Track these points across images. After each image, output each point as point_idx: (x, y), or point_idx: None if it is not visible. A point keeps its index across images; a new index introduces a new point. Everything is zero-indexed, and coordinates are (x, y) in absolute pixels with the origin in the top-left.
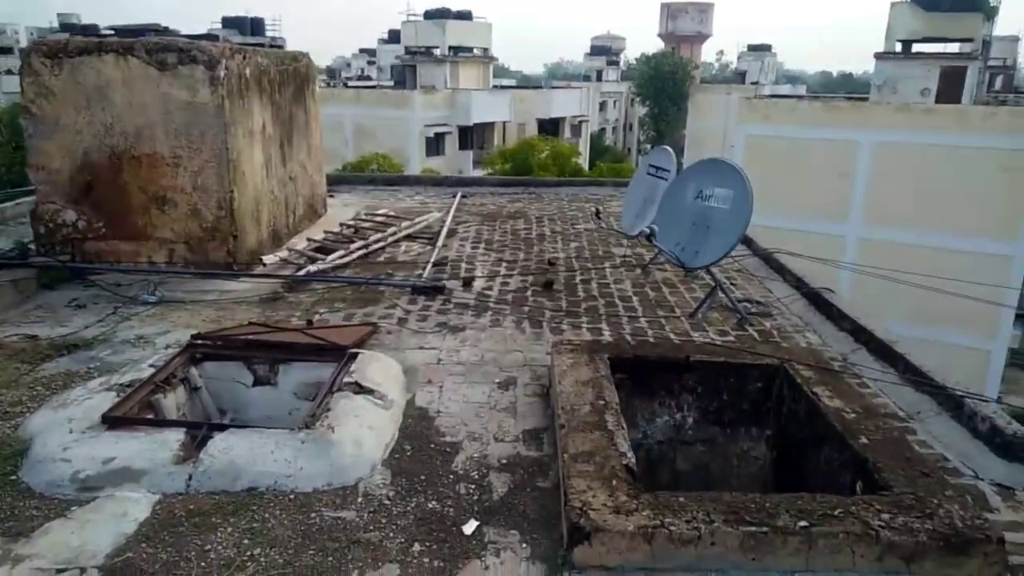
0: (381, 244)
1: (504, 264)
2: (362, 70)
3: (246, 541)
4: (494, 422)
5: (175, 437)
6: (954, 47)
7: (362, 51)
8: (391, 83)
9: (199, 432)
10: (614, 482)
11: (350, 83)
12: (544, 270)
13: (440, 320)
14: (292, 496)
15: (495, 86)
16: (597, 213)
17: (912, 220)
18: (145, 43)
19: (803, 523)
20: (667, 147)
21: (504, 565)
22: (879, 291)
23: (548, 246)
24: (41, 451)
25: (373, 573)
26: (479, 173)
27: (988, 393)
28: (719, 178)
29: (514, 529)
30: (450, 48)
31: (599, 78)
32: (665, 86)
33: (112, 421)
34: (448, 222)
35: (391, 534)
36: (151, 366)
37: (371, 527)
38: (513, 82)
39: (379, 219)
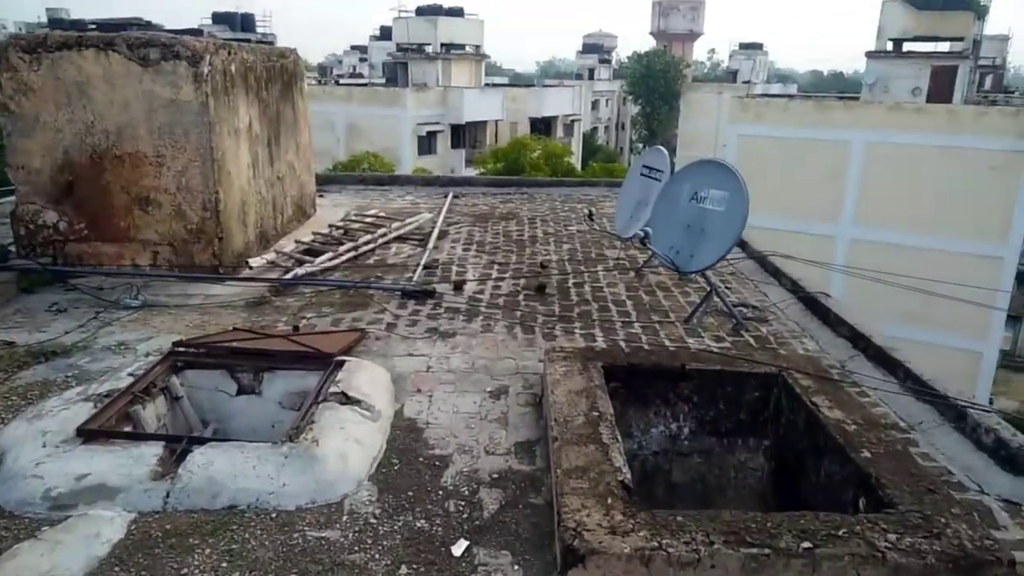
0: (371, 246)
1: (496, 267)
2: (354, 67)
3: (225, 564)
4: (485, 434)
5: (153, 451)
6: (944, 46)
7: (354, 48)
8: (383, 80)
9: (178, 446)
10: (609, 500)
11: (341, 80)
12: (536, 273)
13: (430, 325)
14: (274, 514)
15: (487, 84)
16: (590, 215)
17: (903, 221)
18: (127, 38)
19: (807, 544)
20: (661, 147)
21: None
22: (871, 292)
23: (540, 248)
24: (13, 467)
25: None
26: (471, 172)
27: (980, 395)
28: (714, 179)
29: (505, 550)
30: (442, 45)
31: (591, 76)
32: (657, 85)
33: (87, 434)
34: (439, 223)
35: (377, 555)
36: (130, 375)
37: (356, 548)
38: (505, 80)
39: (369, 220)
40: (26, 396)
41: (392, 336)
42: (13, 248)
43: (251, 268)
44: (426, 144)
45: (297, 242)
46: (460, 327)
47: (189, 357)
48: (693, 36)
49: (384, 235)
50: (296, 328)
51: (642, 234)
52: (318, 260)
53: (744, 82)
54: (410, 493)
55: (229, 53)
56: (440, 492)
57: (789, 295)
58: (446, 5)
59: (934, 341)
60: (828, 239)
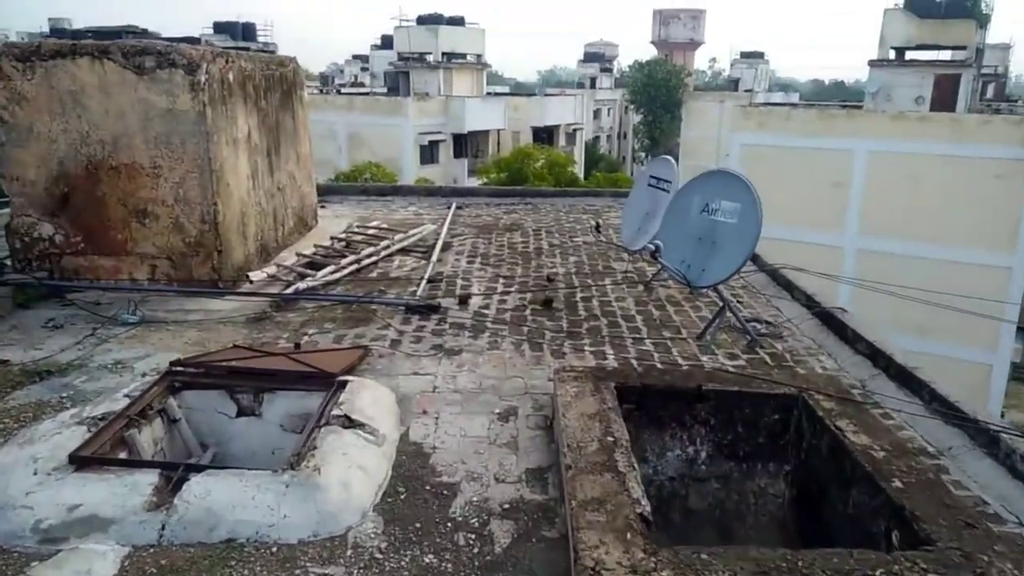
0: (373, 259)
1: (501, 280)
2: (355, 76)
3: None
4: (494, 459)
5: (148, 480)
6: (947, 55)
7: (355, 57)
8: (384, 90)
9: (174, 474)
10: (628, 535)
11: (343, 90)
12: (543, 287)
13: (435, 342)
14: (275, 548)
15: (489, 93)
16: (597, 227)
17: (909, 231)
18: (121, 46)
19: None
20: (668, 157)
21: None
22: (878, 304)
23: (546, 260)
24: (2, 497)
25: None
26: (474, 181)
27: (991, 409)
28: (726, 190)
29: None
30: (443, 54)
31: (593, 85)
32: (659, 93)
33: (80, 461)
34: (443, 235)
35: None
36: (126, 396)
37: None
38: (507, 89)
39: (371, 232)
40: (19, 418)
41: (396, 353)
42: (8, 262)
43: (251, 282)
44: (428, 153)
45: (298, 255)
46: (466, 344)
47: (187, 377)
48: (694, 45)
49: (387, 247)
50: (298, 345)
51: (652, 248)
52: (320, 274)
53: (746, 91)
54: (417, 525)
55: (227, 61)
56: (449, 524)
57: (803, 310)
58: (447, 14)
59: (943, 353)
60: (834, 249)
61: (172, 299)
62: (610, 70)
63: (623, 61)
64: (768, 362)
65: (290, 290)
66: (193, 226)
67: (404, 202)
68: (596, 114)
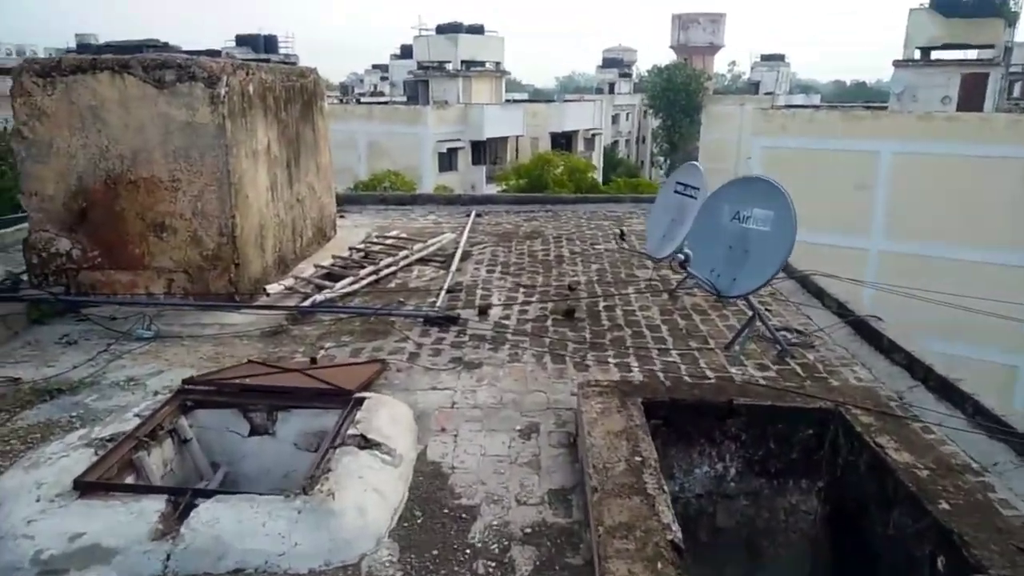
0: (392, 269)
1: (522, 289)
2: (375, 86)
3: None
4: (515, 480)
5: (154, 506)
6: (973, 53)
7: (375, 67)
8: (404, 99)
9: (182, 499)
10: (659, 564)
11: (363, 99)
12: (564, 296)
13: (454, 355)
14: None
15: (508, 100)
16: (621, 234)
17: (936, 232)
18: (142, 60)
19: None
20: (696, 163)
21: None
22: (903, 306)
23: (568, 269)
24: (3, 525)
25: None
26: (493, 188)
27: (1016, 408)
28: (758, 197)
29: None
30: (462, 62)
31: (611, 90)
32: (678, 98)
33: (85, 487)
34: (462, 244)
35: None
36: (136, 416)
37: None
38: (525, 96)
39: (390, 242)
40: (27, 439)
41: (414, 367)
42: (25, 277)
43: (268, 295)
44: (447, 161)
45: (316, 266)
46: (486, 356)
47: (199, 396)
48: (714, 49)
49: (406, 257)
50: (313, 360)
51: (682, 257)
52: (338, 285)
53: (766, 93)
54: (435, 552)
55: (247, 73)
56: (468, 551)
57: (835, 318)
58: (466, 23)
59: (969, 355)
60: (859, 252)
61: (188, 313)
62: (629, 75)
63: (642, 66)
64: (800, 373)
65: (307, 303)
66: (211, 239)
67: (423, 211)
68: (615, 119)
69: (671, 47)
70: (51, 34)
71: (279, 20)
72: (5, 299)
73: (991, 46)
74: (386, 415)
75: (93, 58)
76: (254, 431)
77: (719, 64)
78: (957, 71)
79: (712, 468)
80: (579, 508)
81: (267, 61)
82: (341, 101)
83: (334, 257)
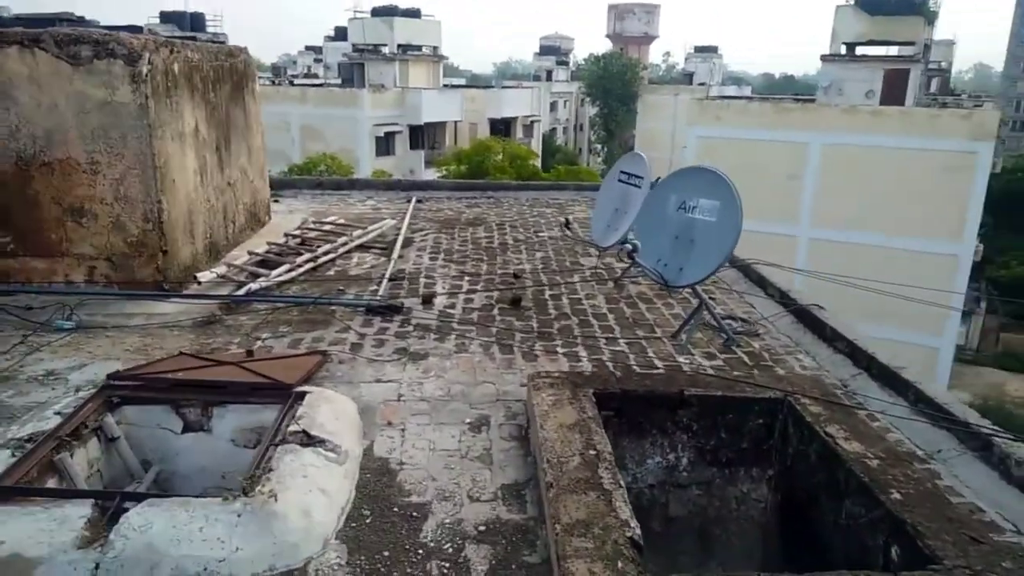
0: (331, 256)
1: (467, 278)
2: (308, 68)
3: None
4: (467, 475)
5: (80, 512)
6: (895, 50)
7: (308, 48)
8: (339, 81)
9: (111, 504)
10: (620, 563)
11: (296, 81)
12: (510, 284)
13: (399, 345)
14: None
15: (445, 85)
16: (567, 223)
17: (861, 221)
18: (55, 34)
19: None
20: (640, 152)
21: None
22: (831, 291)
23: (512, 256)
24: None
25: None
26: (432, 173)
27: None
28: (704, 188)
29: None
30: (399, 46)
31: (549, 78)
32: (614, 87)
33: (2, 492)
34: (403, 230)
35: None
36: (57, 413)
37: None
38: (463, 81)
39: (328, 228)
40: None
41: (357, 359)
42: None
43: (199, 283)
44: (384, 145)
45: (250, 253)
46: (432, 347)
47: (126, 391)
48: (648, 39)
49: (345, 244)
50: (250, 352)
51: (630, 247)
52: (273, 273)
53: (700, 84)
54: (386, 553)
55: (171, 51)
56: (420, 551)
57: (777, 306)
58: (402, 6)
59: (892, 337)
60: (789, 239)
61: (112, 303)
62: (566, 63)
63: (579, 54)
64: (746, 362)
65: (241, 291)
66: (135, 225)
67: (361, 196)
68: (553, 106)
69: (607, 36)
70: None
71: None
72: None
73: (912, 43)
74: (329, 410)
75: (0, 31)
76: (188, 428)
77: (654, 54)
78: (880, 66)
79: (664, 458)
80: (534, 504)
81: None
82: (273, 83)
83: (269, 244)
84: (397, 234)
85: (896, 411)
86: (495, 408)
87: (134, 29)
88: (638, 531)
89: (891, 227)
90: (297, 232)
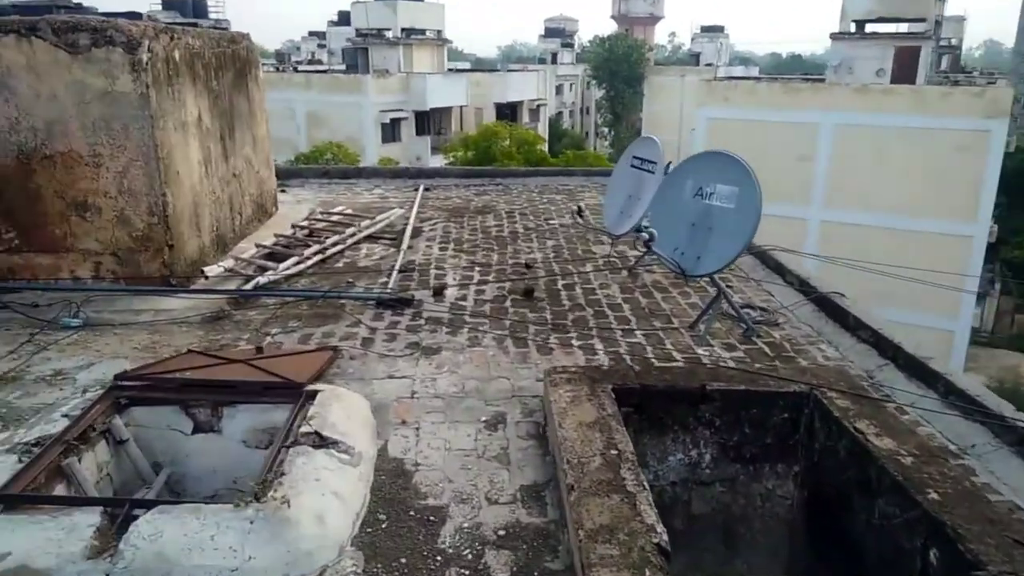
0: (339, 248)
1: (477, 268)
2: (312, 54)
3: None
4: (484, 476)
5: (88, 520)
6: (905, 27)
7: (312, 34)
8: (343, 67)
9: (120, 511)
10: (647, 571)
11: (300, 67)
12: (522, 274)
13: (411, 340)
14: None
15: (450, 69)
16: (579, 211)
17: (873, 202)
18: (52, 21)
19: None
20: (653, 136)
21: None
22: (844, 274)
23: (523, 245)
24: None
25: None
26: (438, 159)
27: (952, 370)
28: (721, 173)
29: None
30: (403, 30)
31: (554, 60)
32: (620, 69)
33: (8, 500)
34: (412, 219)
35: None
36: (65, 416)
37: None
38: (467, 65)
39: (336, 218)
40: None
41: (369, 354)
42: None
43: (207, 278)
44: (390, 131)
45: (258, 246)
46: (444, 341)
47: (134, 392)
48: (654, 19)
49: (353, 235)
50: (259, 349)
51: (646, 236)
52: (281, 266)
53: (707, 65)
54: (403, 560)
55: (172, 38)
56: (439, 557)
57: (796, 294)
58: None
59: (907, 321)
60: (800, 221)
61: (119, 299)
62: (571, 45)
63: (584, 36)
64: (767, 353)
65: (249, 285)
66: (140, 219)
67: (368, 184)
68: (558, 89)
69: (612, 17)
70: None
71: None
72: None
73: (923, 19)
74: (341, 409)
75: None
76: (198, 428)
77: (660, 35)
78: (891, 44)
79: (686, 455)
80: (554, 506)
81: (195, 26)
82: (278, 69)
83: (276, 235)
84: (406, 224)
85: (926, 404)
86: (511, 405)
87: (134, 16)
88: (665, 537)
89: (904, 208)
90: (305, 223)
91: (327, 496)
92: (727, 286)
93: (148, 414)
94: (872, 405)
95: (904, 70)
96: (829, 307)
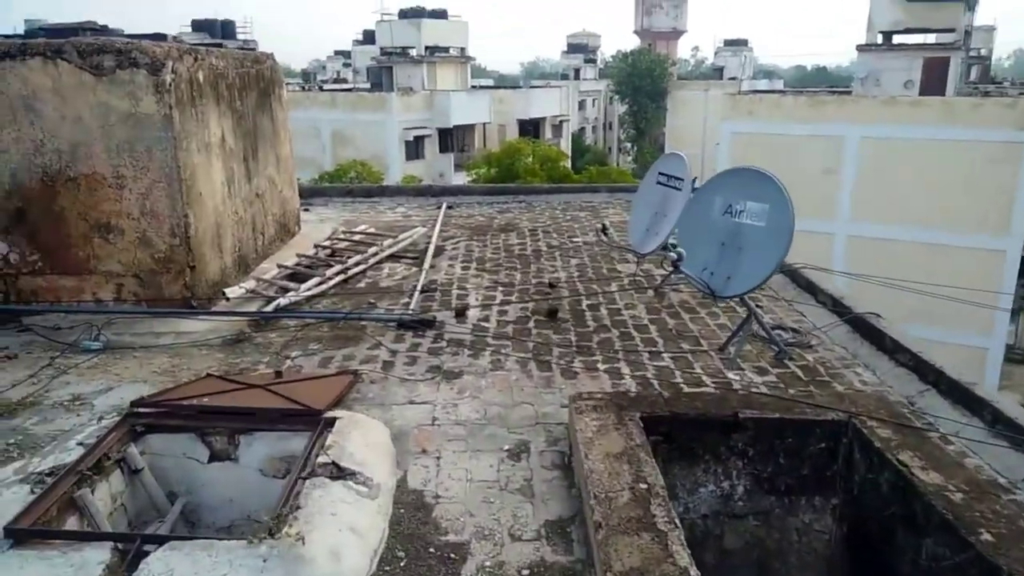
0: (361, 267)
1: (500, 288)
2: (338, 73)
3: None
4: (507, 510)
5: (98, 557)
6: (933, 37)
7: (337, 53)
8: (367, 85)
9: (131, 547)
10: None
11: (325, 86)
12: (545, 294)
13: (432, 363)
14: None
15: (473, 86)
16: (604, 229)
17: (902, 216)
18: (77, 44)
19: None
20: (680, 153)
21: None
22: (871, 290)
23: (546, 264)
24: None
25: None
26: (461, 176)
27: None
28: (751, 190)
29: None
30: (426, 48)
31: (577, 76)
32: (643, 83)
33: (18, 535)
34: (434, 238)
35: None
36: (80, 444)
37: None
38: (490, 82)
39: (358, 237)
40: None
41: (389, 378)
42: None
43: (228, 300)
44: (413, 149)
45: (280, 266)
46: (466, 364)
47: (151, 419)
48: (677, 34)
49: (375, 254)
50: (279, 373)
51: (674, 256)
52: (303, 287)
53: (730, 79)
54: None
55: (196, 59)
56: None
57: (829, 314)
58: (429, 7)
59: (939, 338)
60: (826, 236)
61: (140, 321)
62: (594, 61)
63: (606, 51)
64: (801, 377)
65: (270, 307)
66: (162, 240)
67: (391, 203)
68: (581, 105)
69: (635, 32)
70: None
71: (238, 5)
72: None
73: (952, 30)
74: (360, 437)
75: (23, 43)
76: (214, 456)
77: (682, 49)
78: (919, 55)
79: (718, 486)
80: (580, 543)
81: (219, 46)
82: (304, 88)
83: (299, 255)
84: (428, 242)
85: (972, 433)
86: (535, 432)
87: (158, 37)
88: None
89: (934, 222)
90: (327, 243)
91: (344, 531)
92: (757, 306)
93: (164, 442)
94: (915, 435)
95: (933, 81)
96: (864, 328)
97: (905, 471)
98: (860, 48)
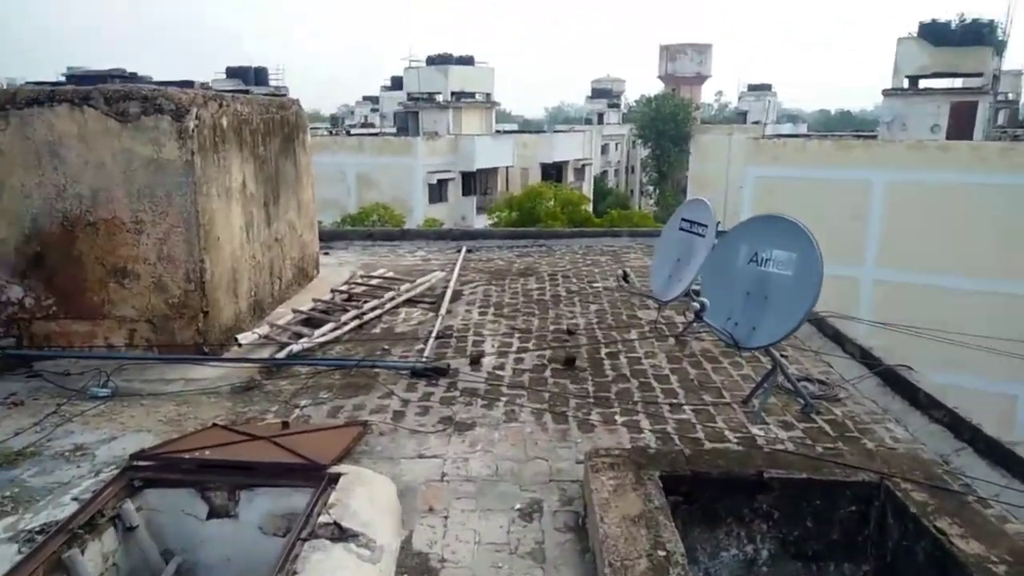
0: (377, 312)
1: (517, 334)
2: (365, 117)
3: None
4: None
5: None
6: (960, 82)
7: (365, 99)
8: (394, 130)
9: None
10: None
11: (353, 131)
12: (563, 342)
13: (444, 413)
14: None
15: (498, 131)
16: (625, 276)
17: (929, 261)
18: (104, 91)
19: None
20: (704, 199)
21: None
22: (897, 337)
23: (565, 310)
24: None
25: None
26: (483, 219)
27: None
28: (778, 238)
29: None
30: (452, 94)
31: (600, 121)
32: (666, 128)
33: None
34: (452, 283)
35: None
36: (75, 499)
37: None
38: (515, 126)
39: (375, 282)
40: None
41: (399, 430)
42: None
43: (240, 346)
44: (437, 192)
45: (295, 311)
46: (479, 415)
47: (149, 473)
48: (701, 79)
49: (392, 299)
50: (285, 424)
51: (697, 306)
52: (316, 333)
53: (754, 123)
54: None
55: (221, 105)
56: None
57: (857, 365)
58: (456, 54)
59: (964, 384)
60: (851, 281)
61: (151, 367)
62: (617, 105)
63: (630, 96)
64: (829, 432)
65: (282, 353)
66: (177, 286)
67: (411, 246)
68: (604, 149)
69: (659, 77)
70: (41, 68)
71: (278, 53)
72: None
73: (980, 74)
74: (365, 495)
75: (51, 90)
76: (213, 513)
77: (706, 94)
78: (946, 100)
79: (741, 551)
80: None
81: (246, 92)
82: (331, 133)
83: (315, 300)
84: (446, 287)
85: (1012, 497)
86: (548, 491)
87: (186, 84)
88: None
89: (963, 268)
90: (344, 288)
91: None
92: (782, 356)
93: (162, 497)
94: (953, 499)
95: (960, 126)
96: (894, 380)
97: (943, 540)
98: (886, 93)
